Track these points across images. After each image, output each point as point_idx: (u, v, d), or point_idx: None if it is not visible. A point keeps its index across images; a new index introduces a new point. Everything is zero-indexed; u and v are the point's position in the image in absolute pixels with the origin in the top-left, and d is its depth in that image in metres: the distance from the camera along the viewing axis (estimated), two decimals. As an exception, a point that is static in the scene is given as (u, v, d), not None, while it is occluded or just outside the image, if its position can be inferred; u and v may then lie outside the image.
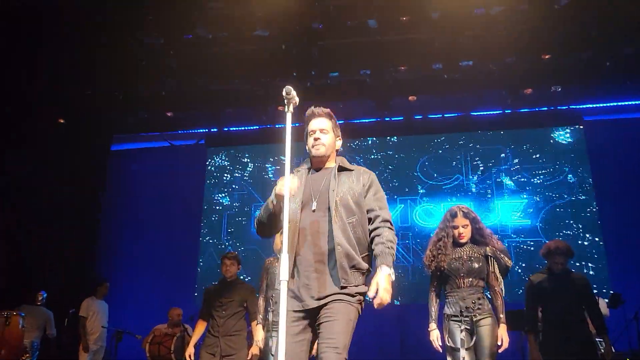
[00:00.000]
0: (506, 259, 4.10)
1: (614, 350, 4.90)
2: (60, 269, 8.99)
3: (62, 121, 9.95)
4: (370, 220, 2.90)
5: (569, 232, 9.26)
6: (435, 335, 4.08)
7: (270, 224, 2.98)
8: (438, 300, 4.23)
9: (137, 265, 10.21)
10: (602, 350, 4.84)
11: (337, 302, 2.68)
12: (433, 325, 4.12)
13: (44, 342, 7.75)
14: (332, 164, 3.07)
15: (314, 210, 2.85)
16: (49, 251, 9.20)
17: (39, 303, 7.70)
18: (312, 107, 3.13)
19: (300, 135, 3.22)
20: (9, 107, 8.90)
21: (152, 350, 6.83)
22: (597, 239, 9.14)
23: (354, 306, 2.73)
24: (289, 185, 2.62)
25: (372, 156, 10.32)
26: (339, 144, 3.14)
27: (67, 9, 7.57)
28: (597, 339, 4.95)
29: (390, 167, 10.22)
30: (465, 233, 4.17)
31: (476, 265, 4.04)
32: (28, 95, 8.92)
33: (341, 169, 3.02)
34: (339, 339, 2.59)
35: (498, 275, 4.07)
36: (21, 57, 8.26)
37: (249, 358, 5.24)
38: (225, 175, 10.67)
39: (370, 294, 2.65)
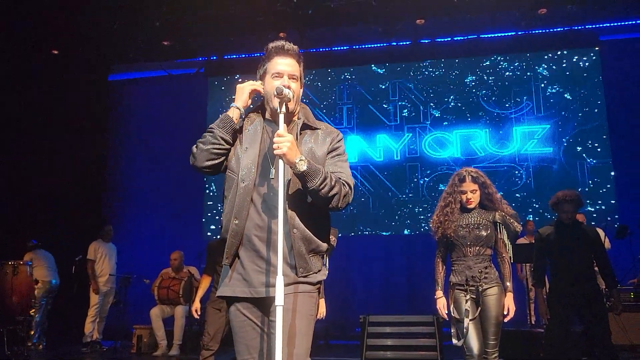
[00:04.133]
0: (515, 224, 3.93)
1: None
2: (64, 213, 8.92)
3: (55, 52, 9.61)
4: None
5: (580, 158, 9.10)
6: (441, 304, 4.00)
7: (222, 153, 2.40)
8: (444, 266, 4.11)
9: (143, 203, 10.20)
10: (610, 304, 4.80)
11: (296, 295, 2.27)
12: (440, 293, 4.02)
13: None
14: (294, 118, 2.47)
15: (272, 178, 2.33)
16: (51, 193, 9.11)
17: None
18: (282, 41, 2.44)
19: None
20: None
21: (161, 294, 6.91)
22: (606, 167, 8.98)
23: (314, 297, 2.34)
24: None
25: (379, 84, 9.93)
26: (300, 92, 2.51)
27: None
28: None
29: (396, 94, 9.87)
30: (474, 198, 3.98)
31: (484, 233, 3.88)
32: (19, 24, 8.51)
33: (305, 126, 2.45)
34: (301, 345, 2.23)
35: (507, 242, 3.92)
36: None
37: None
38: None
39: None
